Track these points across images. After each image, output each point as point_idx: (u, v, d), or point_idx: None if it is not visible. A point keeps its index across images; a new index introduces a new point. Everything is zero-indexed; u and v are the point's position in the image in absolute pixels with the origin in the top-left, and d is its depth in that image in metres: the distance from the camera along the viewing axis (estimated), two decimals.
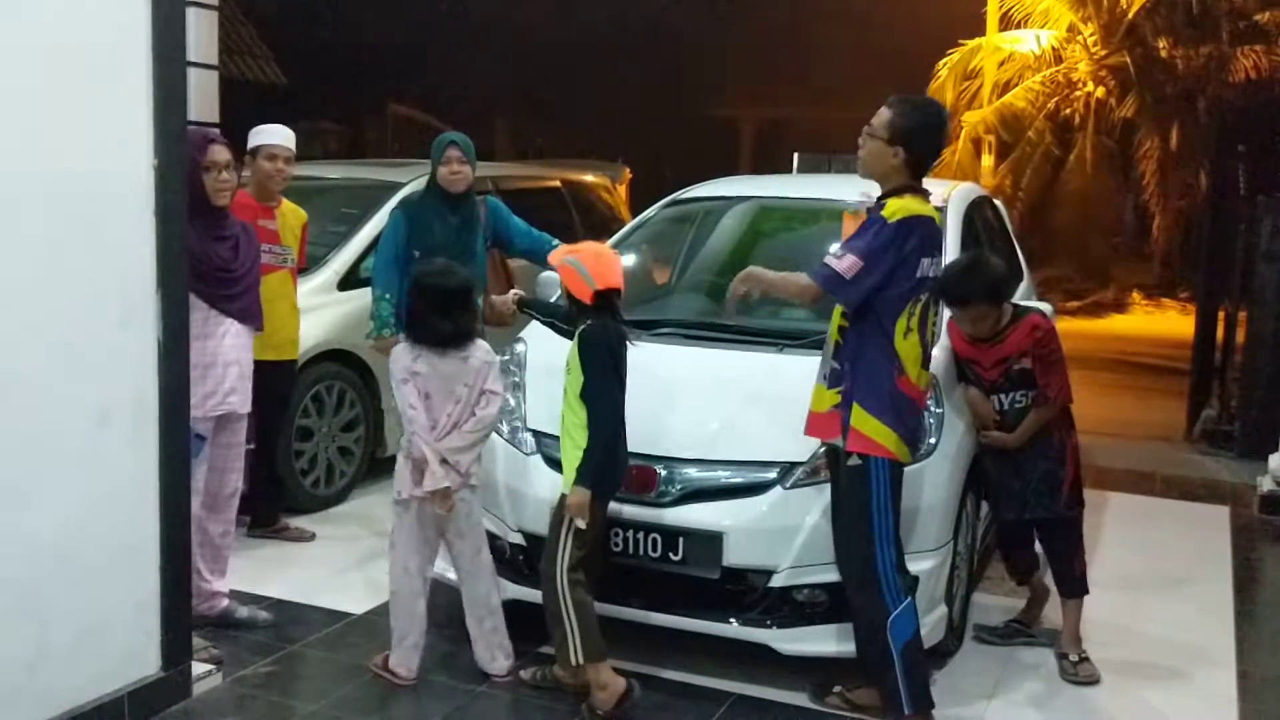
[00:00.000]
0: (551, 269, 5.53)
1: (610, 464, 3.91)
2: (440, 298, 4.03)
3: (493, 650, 4.18)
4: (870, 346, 3.71)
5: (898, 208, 3.67)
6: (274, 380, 5.25)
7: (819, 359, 3.93)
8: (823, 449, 3.99)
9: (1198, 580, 5.51)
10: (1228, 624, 4.97)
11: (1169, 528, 6.39)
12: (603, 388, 3.87)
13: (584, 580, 3.88)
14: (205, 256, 4.18)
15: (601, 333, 3.91)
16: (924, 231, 3.69)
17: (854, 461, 3.73)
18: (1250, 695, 4.31)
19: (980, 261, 4.42)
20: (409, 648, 4.12)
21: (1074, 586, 4.52)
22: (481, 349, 4.13)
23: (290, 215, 5.50)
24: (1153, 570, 5.63)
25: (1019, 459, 4.40)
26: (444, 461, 3.97)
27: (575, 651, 3.85)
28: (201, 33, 7.01)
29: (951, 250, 4.81)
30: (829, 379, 3.83)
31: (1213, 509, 6.73)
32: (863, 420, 3.70)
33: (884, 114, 3.75)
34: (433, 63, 23.13)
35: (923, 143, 3.76)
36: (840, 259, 3.63)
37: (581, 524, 3.83)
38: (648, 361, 4.22)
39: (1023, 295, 4.61)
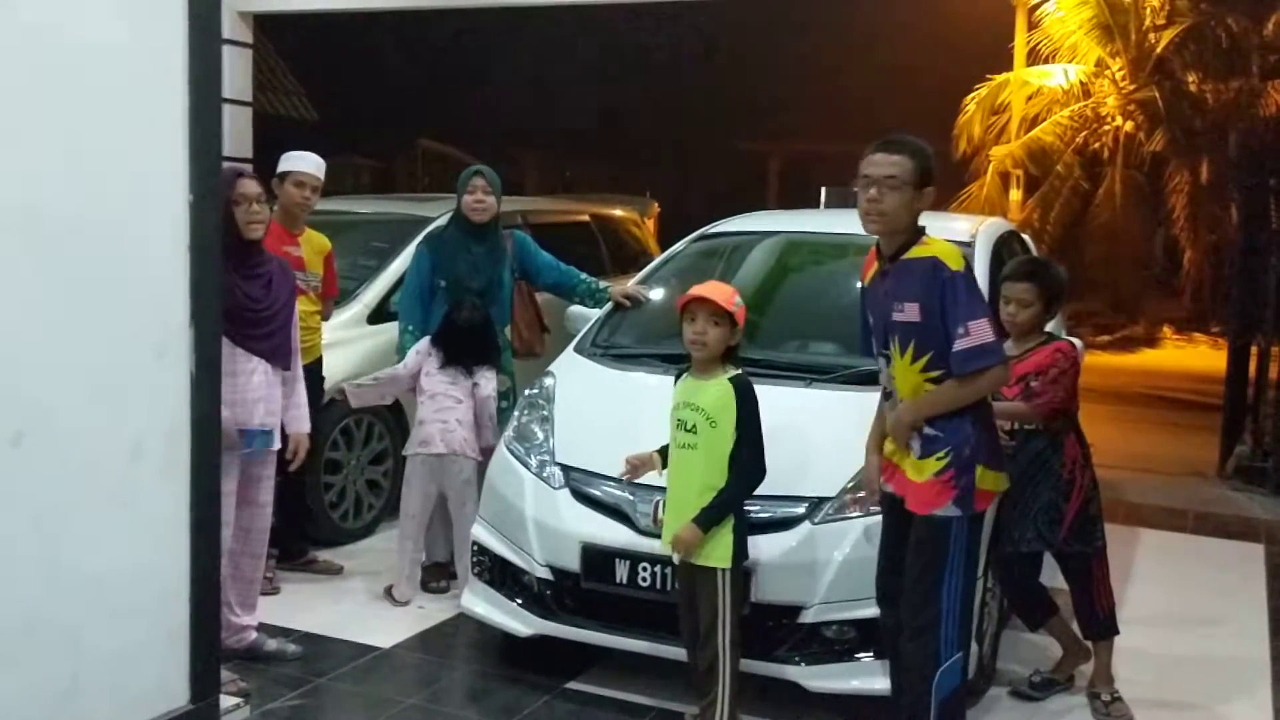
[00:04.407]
0: (587, 303, 5.58)
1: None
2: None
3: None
4: (977, 401, 3.57)
5: (950, 254, 3.50)
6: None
7: (847, 393, 3.88)
8: (851, 484, 3.98)
9: (1232, 618, 5.44)
10: (1263, 663, 4.90)
11: (1202, 565, 6.32)
12: (761, 443, 3.80)
13: (742, 647, 3.82)
14: (231, 293, 4.09)
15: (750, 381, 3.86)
16: None
17: (940, 514, 3.51)
18: None
19: (1049, 260, 4.76)
20: (404, 579, 5.16)
21: (1099, 628, 4.43)
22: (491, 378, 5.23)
23: (313, 241, 5.48)
24: (1186, 608, 5.57)
25: (1019, 489, 4.27)
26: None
27: (720, 717, 3.81)
28: (236, 70, 7.13)
29: (980, 285, 4.79)
30: (921, 448, 3.55)
31: (1247, 546, 6.66)
32: (986, 478, 3.54)
33: (905, 162, 3.50)
34: (462, 98, 23.37)
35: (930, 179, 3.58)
36: (978, 331, 3.42)
37: (675, 558, 3.84)
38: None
39: (1052, 329, 4.62)
